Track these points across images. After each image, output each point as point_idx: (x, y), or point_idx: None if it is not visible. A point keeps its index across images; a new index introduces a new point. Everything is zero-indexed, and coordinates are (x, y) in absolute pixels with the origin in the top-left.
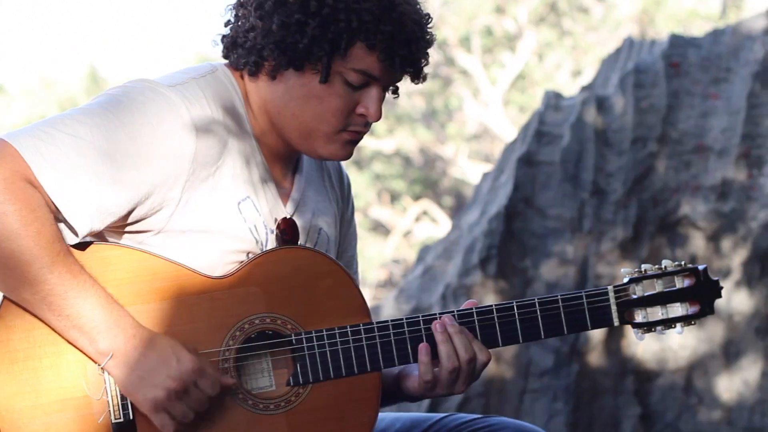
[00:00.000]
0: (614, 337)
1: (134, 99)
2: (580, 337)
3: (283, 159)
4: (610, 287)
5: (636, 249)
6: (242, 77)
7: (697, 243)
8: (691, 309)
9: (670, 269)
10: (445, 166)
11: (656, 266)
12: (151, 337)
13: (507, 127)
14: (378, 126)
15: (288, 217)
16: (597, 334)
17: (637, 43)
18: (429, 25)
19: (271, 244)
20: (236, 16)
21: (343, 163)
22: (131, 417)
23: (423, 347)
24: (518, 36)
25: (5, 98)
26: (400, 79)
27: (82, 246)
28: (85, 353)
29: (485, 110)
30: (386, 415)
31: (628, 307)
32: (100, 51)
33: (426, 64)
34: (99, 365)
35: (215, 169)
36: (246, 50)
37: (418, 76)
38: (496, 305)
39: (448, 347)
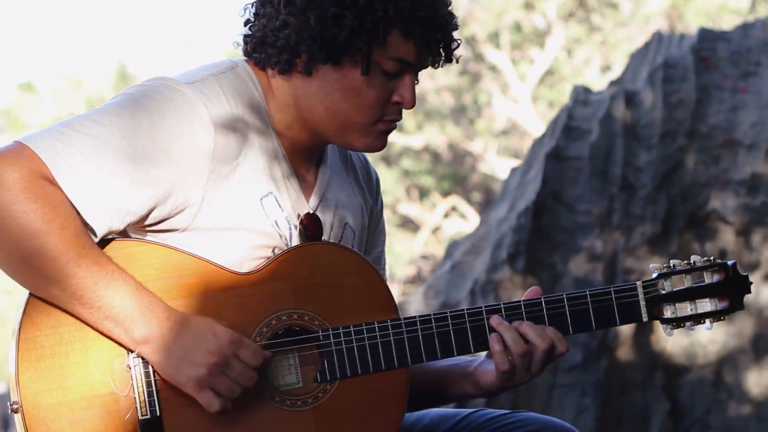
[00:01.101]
0: (643, 333)
1: (151, 97)
2: (609, 332)
3: (306, 154)
4: (638, 282)
5: (665, 244)
6: (266, 75)
7: (727, 237)
8: (720, 305)
9: (698, 265)
10: (474, 161)
11: (685, 261)
12: (184, 318)
13: (536, 123)
14: (407, 122)
15: (311, 212)
16: (626, 330)
17: (666, 37)
18: (451, 7)
19: (295, 239)
20: (258, 14)
21: (372, 158)
22: (158, 413)
23: (494, 337)
24: (547, 32)
25: (34, 97)
26: (428, 65)
27: (106, 243)
28: (120, 343)
29: (514, 106)
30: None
31: (656, 302)
32: (129, 49)
33: (457, 47)
34: (135, 353)
35: (236, 165)
36: (278, 48)
37: (450, 59)
38: (524, 301)
39: (512, 333)
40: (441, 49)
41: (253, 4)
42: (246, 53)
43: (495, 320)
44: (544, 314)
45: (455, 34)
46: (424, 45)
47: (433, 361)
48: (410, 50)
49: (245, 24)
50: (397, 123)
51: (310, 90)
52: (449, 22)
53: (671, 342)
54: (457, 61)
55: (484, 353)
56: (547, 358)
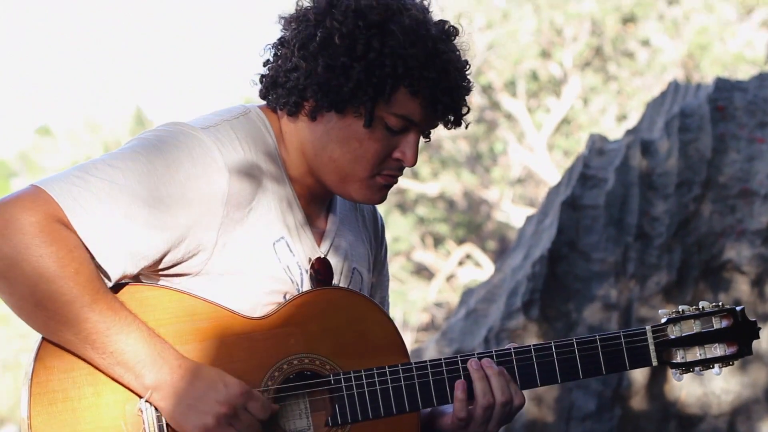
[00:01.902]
0: (657, 381)
1: (166, 142)
2: (623, 381)
3: (317, 199)
4: (648, 327)
5: (680, 293)
6: (278, 118)
7: (742, 288)
8: (729, 350)
9: (707, 310)
10: (489, 209)
11: (694, 307)
12: (196, 367)
13: (551, 172)
14: (422, 169)
15: (322, 257)
16: (640, 379)
17: (682, 86)
18: (468, 73)
19: (306, 284)
20: (276, 55)
21: (387, 205)
22: None
23: (459, 383)
24: (563, 80)
25: (51, 141)
26: (437, 125)
27: (119, 287)
28: (130, 389)
29: (530, 154)
30: None
31: (666, 347)
32: (146, 94)
33: (467, 112)
34: (144, 398)
35: (249, 210)
36: (287, 90)
37: (458, 123)
38: (534, 345)
39: (483, 384)
40: (449, 113)
41: (273, 45)
42: (261, 93)
43: (474, 366)
44: (554, 359)
45: (466, 99)
46: (430, 106)
47: None
48: (416, 109)
49: (264, 64)
50: (397, 179)
51: (315, 135)
52: (460, 86)
53: (685, 392)
54: (467, 127)
55: None
56: (502, 414)
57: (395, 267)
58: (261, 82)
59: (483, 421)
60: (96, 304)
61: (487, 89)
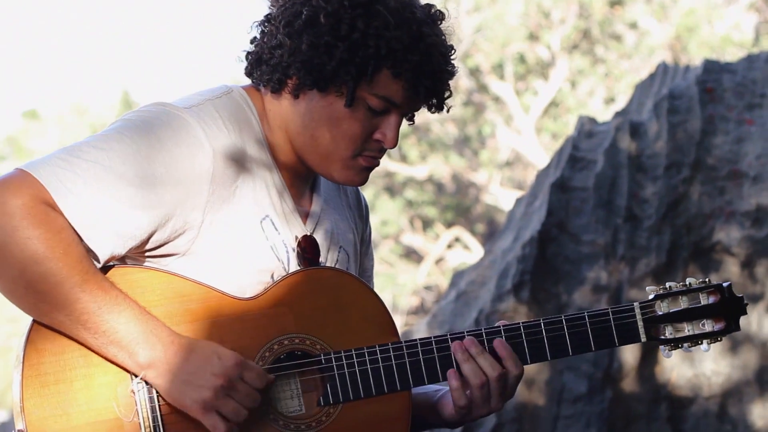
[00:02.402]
0: (647, 363)
1: (150, 122)
2: (614, 363)
3: (301, 178)
4: (636, 303)
5: (669, 275)
6: (261, 97)
7: (731, 269)
8: (717, 326)
9: (694, 286)
10: (478, 192)
11: (681, 283)
12: (189, 342)
13: (539, 154)
14: (410, 152)
15: (308, 234)
16: (630, 360)
17: (671, 68)
18: (453, 57)
19: (293, 262)
20: (262, 32)
21: (376, 189)
22: None
23: (452, 373)
24: (551, 63)
25: (39, 125)
26: (419, 108)
27: (107, 270)
28: (124, 368)
29: (518, 137)
30: None
31: (654, 323)
32: (133, 77)
33: (449, 96)
34: (140, 377)
35: (234, 189)
36: (271, 67)
37: (440, 107)
38: (523, 323)
39: (471, 365)
40: (431, 96)
41: (260, 23)
42: (246, 70)
43: (457, 347)
44: (543, 336)
45: (450, 83)
46: (412, 89)
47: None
48: (398, 91)
49: (251, 41)
50: (379, 161)
51: (297, 113)
52: (443, 70)
53: (676, 373)
54: (448, 111)
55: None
56: (502, 388)
57: (384, 250)
58: (246, 59)
59: (484, 401)
60: (86, 284)
61: (474, 72)
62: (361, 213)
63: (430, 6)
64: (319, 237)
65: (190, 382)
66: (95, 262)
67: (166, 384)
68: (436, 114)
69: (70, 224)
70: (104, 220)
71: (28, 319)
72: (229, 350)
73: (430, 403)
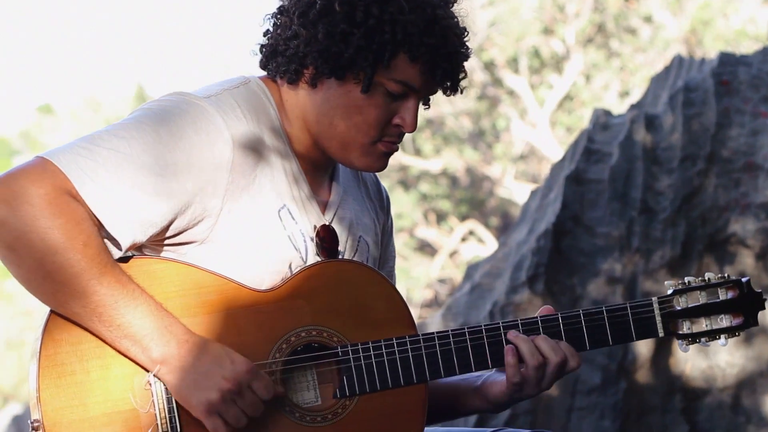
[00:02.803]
0: (662, 355)
1: (170, 111)
2: (628, 354)
3: (319, 167)
4: (654, 298)
5: (684, 267)
6: (278, 87)
7: (746, 261)
8: (735, 321)
9: (713, 281)
10: (492, 186)
11: (699, 278)
12: (203, 342)
13: (554, 148)
14: (425, 146)
15: (327, 224)
16: (644, 352)
17: (686, 61)
18: (466, 39)
19: (311, 252)
20: (275, 24)
21: (390, 182)
22: (178, 430)
23: (509, 349)
24: (566, 57)
25: (53, 119)
26: (436, 91)
27: (125, 260)
28: (137, 362)
29: (532, 131)
30: (436, 429)
31: (672, 318)
32: (148, 71)
33: (464, 77)
34: (151, 372)
35: (254, 177)
36: (287, 58)
37: (455, 89)
38: (541, 317)
39: (529, 345)
40: (447, 78)
41: (273, 15)
42: (261, 62)
43: (512, 334)
44: (561, 330)
45: (465, 65)
46: (429, 72)
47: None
48: (415, 75)
49: (264, 34)
50: (398, 146)
51: (315, 102)
52: (459, 52)
53: (690, 365)
54: (462, 92)
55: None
56: (558, 373)
57: (398, 244)
58: (261, 51)
59: (536, 382)
60: (104, 277)
61: (489, 66)
62: (382, 204)
63: None
64: (338, 227)
65: (200, 382)
66: (117, 250)
67: (175, 381)
68: (454, 105)
69: (91, 215)
70: (126, 208)
71: (41, 313)
72: (242, 357)
73: (472, 387)
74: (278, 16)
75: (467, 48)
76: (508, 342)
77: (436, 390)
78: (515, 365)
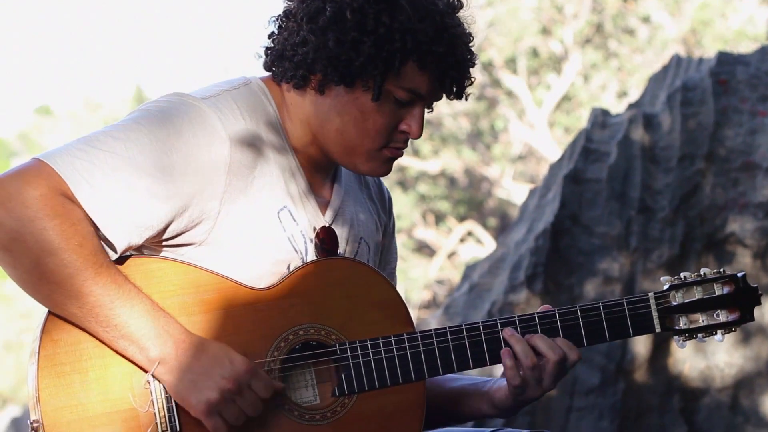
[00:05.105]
0: (660, 356)
1: (167, 112)
2: (627, 355)
3: (321, 169)
4: (651, 294)
5: (683, 266)
6: (281, 89)
7: (745, 260)
8: (732, 316)
9: (709, 276)
10: (490, 187)
11: (695, 274)
12: (201, 342)
13: (552, 148)
14: (423, 147)
15: (327, 225)
16: (643, 352)
17: (684, 60)
18: (473, 46)
19: (311, 253)
20: (282, 28)
21: (388, 183)
22: (178, 429)
23: (505, 351)
24: (564, 57)
25: (51, 120)
26: (441, 98)
27: (123, 260)
28: (135, 362)
29: (531, 131)
30: (435, 429)
31: (669, 313)
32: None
33: (470, 84)
34: (149, 372)
35: (252, 179)
36: (294, 64)
37: (460, 96)
38: (538, 313)
39: (523, 345)
40: (455, 86)
41: (278, 17)
42: (265, 65)
43: (507, 332)
44: (558, 326)
45: (471, 72)
46: (437, 79)
47: (449, 381)
48: (424, 83)
49: (269, 36)
50: (402, 151)
51: (322, 108)
52: (467, 60)
53: (688, 365)
54: (467, 99)
55: (501, 371)
56: (558, 371)
57: (397, 244)
58: (266, 54)
59: (536, 382)
60: (99, 277)
61: (487, 66)
62: (384, 205)
63: None
64: (338, 228)
65: (199, 382)
66: (112, 252)
67: (174, 381)
68: (452, 107)
69: (86, 216)
70: (121, 211)
71: (40, 315)
72: (241, 356)
73: (480, 392)
74: (284, 20)
75: (474, 55)
76: (503, 340)
77: (440, 393)
78: (513, 367)
